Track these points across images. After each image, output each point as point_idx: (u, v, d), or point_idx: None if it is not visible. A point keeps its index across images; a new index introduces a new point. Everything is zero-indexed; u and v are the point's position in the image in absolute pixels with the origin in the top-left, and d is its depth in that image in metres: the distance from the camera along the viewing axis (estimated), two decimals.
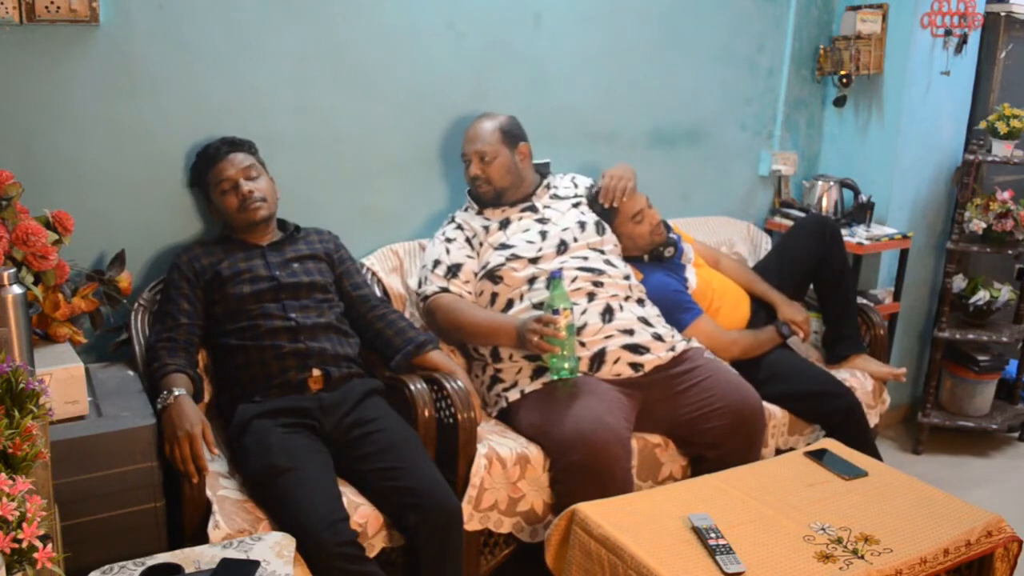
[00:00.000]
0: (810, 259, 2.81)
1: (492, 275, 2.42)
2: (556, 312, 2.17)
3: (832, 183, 3.26)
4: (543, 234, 2.47)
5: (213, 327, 2.17)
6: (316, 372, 2.10)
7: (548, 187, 2.61)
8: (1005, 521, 1.91)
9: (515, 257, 2.42)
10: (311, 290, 2.21)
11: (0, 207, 1.88)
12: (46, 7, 2.03)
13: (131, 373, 2.11)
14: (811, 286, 2.92)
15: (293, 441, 1.96)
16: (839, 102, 3.30)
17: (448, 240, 2.50)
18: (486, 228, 2.50)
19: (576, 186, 2.68)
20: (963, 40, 3.13)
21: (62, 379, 1.79)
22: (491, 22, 2.68)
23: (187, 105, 2.29)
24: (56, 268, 1.93)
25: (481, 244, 2.48)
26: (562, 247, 2.45)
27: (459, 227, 2.52)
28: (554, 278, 2.23)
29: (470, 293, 2.45)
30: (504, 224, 2.50)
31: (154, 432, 1.83)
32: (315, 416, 2.04)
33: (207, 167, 2.23)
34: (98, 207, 2.22)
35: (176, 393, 1.92)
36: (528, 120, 2.74)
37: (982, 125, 3.12)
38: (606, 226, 2.58)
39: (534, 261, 2.42)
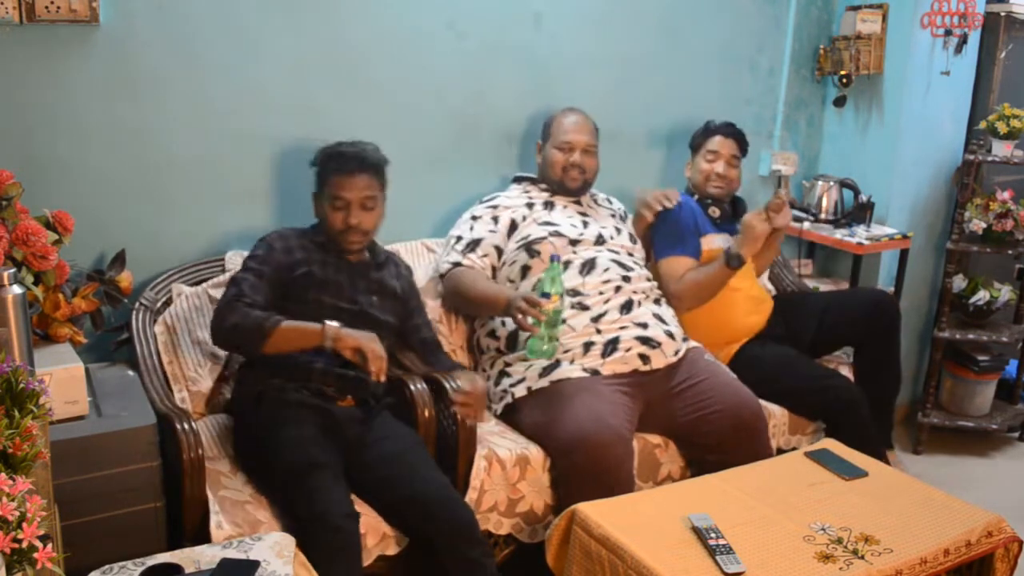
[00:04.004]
0: (855, 338, 2.78)
1: (530, 247, 2.46)
2: (546, 295, 2.15)
3: (832, 183, 3.26)
4: (585, 223, 2.56)
5: None
6: (350, 398, 2.10)
7: (594, 197, 2.71)
8: (1005, 521, 1.91)
9: (558, 234, 2.48)
10: (383, 328, 2.15)
11: (0, 207, 1.88)
12: (46, 7, 2.03)
13: (131, 373, 2.11)
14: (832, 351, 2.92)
15: (322, 439, 1.96)
16: (839, 102, 3.30)
17: (474, 218, 2.56)
18: (530, 205, 2.56)
19: (611, 203, 2.76)
20: (963, 40, 3.13)
21: (62, 379, 1.79)
22: (491, 22, 2.68)
23: (187, 105, 2.29)
24: (56, 268, 1.93)
25: (524, 218, 2.53)
26: (600, 239, 2.53)
27: (493, 207, 2.57)
28: (553, 262, 2.21)
29: (484, 268, 2.50)
30: (548, 205, 2.58)
31: (154, 432, 1.83)
32: (339, 422, 2.04)
33: (329, 171, 2.14)
34: (98, 207, 2.22)
35: (331, 322, 1.96)
36: (529, 120, 2.75)
37: (982, 125, 3.11)
38: (637, 238, 2.69)
39: (574, 243, 2.48)
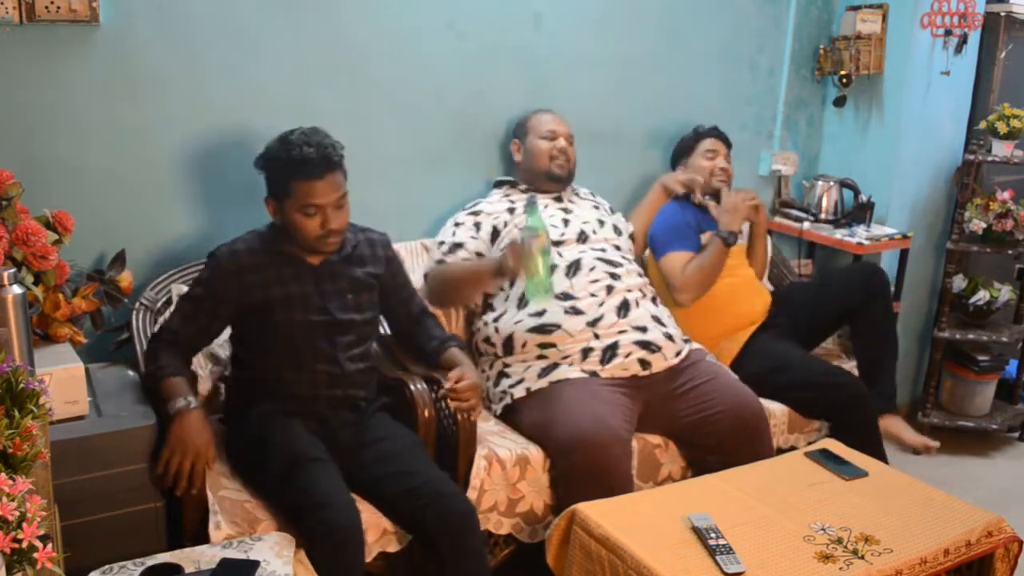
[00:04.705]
0: (848, 308, 2.80)
1: None
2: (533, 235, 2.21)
3: (832, 183, 3.26)
4: (565, 221, 2.55)
5: (248, 345, 2.06)
6: (343, 410, 2.06)
7: (575, 191, 2.72)
8: (1005, 521, 1.91)
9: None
10: (363, 328, 2.09)
11: (0, 207, 1.88)
12: (46, 7, 2.03)
13: (131, 373, 2.11)
14: (838, 331, 2.97)
15: (310, 440, 1.95)
16: (839, 102, 3.30)
17: (457, 224, 2.58)
18: (511, 210, 2.56)
19: (594, 196, 2.76)
20: (963, 40, 3.12)
21: (62, 379, 1.79)
22: (491, 22, 2.68)
23: (187, 105, 2.29)
24: (56, 268, 1.93)
25: (505, 224, 2.52)
26: (582, 236, 2.53)
27: (474, 213, 2.58)
28: (531, 204, 2.27)
29: None
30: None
31: (154, 432, 1.83)
32: (331, 427, 2.03)
33: (294, 174, 1.93)
34: (98, 207, 2.22)
35: (192, 404, 1.85)
36: None
37: (982, 125, 3.11)
38: (623, 229, 2.68)
39: (556, 244, 2.47)
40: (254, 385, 2.05)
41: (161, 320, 2.15)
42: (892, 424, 2.74)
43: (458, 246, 2.51)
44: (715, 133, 2.92)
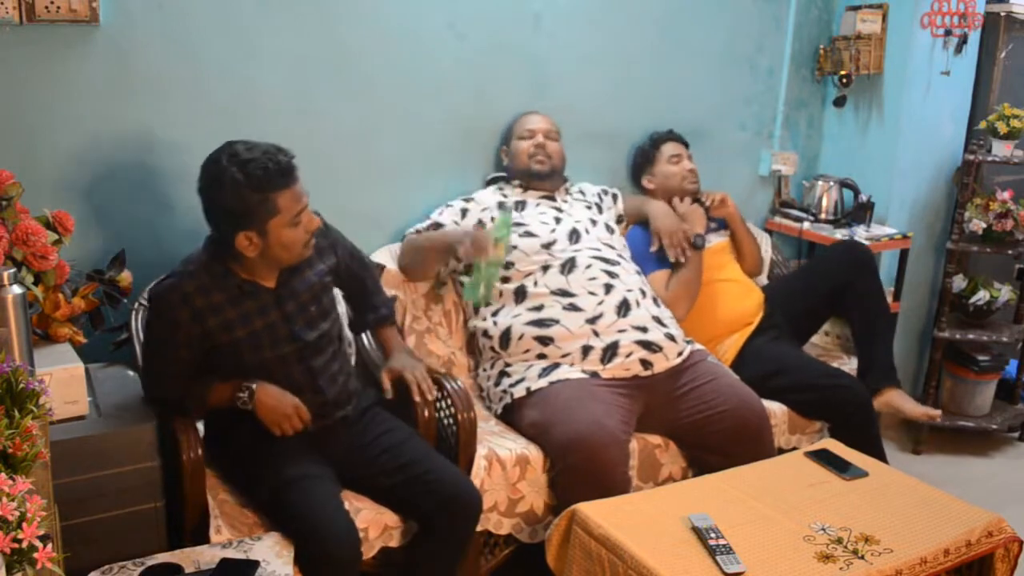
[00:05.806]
0: (836, 286, 2.79)
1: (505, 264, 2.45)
2: (496, 241, 2.26)
3: (832, 183, 3.26)
4: (557, 220, 2.55)
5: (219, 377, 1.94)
6: (335, 415, 2.02)
7: (568, 190, 2.72)
8: (1005, 521, 1.91)
9: (529, 235, 2.47)
10: (331, 331, 2.02)
11: (0, 207, 1.88)
12: (46, 7, 2.03)
13: (131, 373, 2.11)
14: (829, 315, 2.95)
15: (301, 454, 1.91)
16: (839, 102, 3.30)
17: (447, 206, 2.60)
18: (501, 205, 2.56)
19: (584, 193, 2.75)
20: (963, 40, 3.12)
21: (62, 379, 1.79)
22: (491, 23, 2.68)
23: (187, 105, 2.29)
24: (56, 268, 1.93)
25: (492, 219, 2.51)
26: (574, 235, 2.51)
27: (467, 200, 2.60)
28: (503, 209, 2.32)
29: None
30: (520, 205, 2.58)
31: (154, 432, 1.83)
32: (321, 439, 1.99)
33: (275, 186, 1.79)
34: (99, 207, 2.22)
35: (252, 386, 1.87)
36: None
37: (982, 125, 3.11)
38: (615, 229, 2.67)
39: (547, 246, 2.46)
40: (229, 413, 1.94)
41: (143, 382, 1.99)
42: (893, 397, 2.69)
43: (438, 225, 2.53)
44: (672, 136, 2.92)
